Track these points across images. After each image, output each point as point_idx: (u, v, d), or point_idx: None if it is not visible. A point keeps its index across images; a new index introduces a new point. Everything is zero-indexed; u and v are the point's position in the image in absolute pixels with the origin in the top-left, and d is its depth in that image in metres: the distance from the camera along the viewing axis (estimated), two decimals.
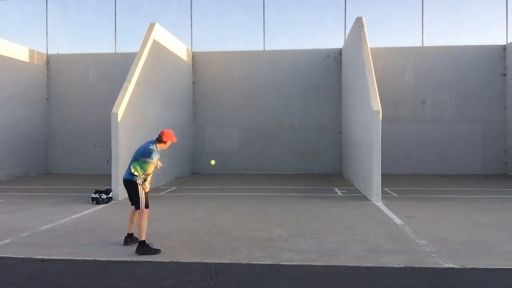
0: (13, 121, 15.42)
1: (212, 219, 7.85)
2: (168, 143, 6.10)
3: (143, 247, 5.62)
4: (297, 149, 16.85)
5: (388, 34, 18.76)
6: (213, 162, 7.65)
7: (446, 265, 5.08)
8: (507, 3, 16.21)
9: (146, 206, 5.88)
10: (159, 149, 6.02)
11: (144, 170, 5.87)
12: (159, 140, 6.04)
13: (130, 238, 6.06)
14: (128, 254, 5.63)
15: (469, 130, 16.25)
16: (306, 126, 16.87)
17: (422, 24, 16.64)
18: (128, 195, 6.09)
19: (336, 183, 13.51)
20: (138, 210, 5.90)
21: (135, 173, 5.84)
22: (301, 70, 16.95)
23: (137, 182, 5.88)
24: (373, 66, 11.22)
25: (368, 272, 4.91)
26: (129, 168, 5.95)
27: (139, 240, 5.68)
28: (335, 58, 16.89)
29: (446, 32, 17.98)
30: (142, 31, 13.09)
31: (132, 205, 6.10)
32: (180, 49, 15.71)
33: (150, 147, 5.95)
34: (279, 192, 11.48)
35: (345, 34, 16.71)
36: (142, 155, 5.91)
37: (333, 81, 16.81)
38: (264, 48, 17.37)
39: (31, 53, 16.63)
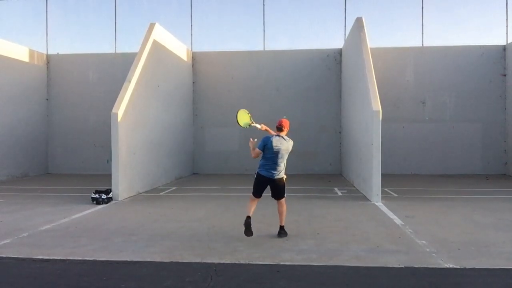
0: (13, 121, 15.43)
1: (212, 219, 7.85)
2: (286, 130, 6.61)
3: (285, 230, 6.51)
4: (297, 149, 16.70)
5: (388, 34, 18.79)
6: None
7: (446, 265, 5.08)
8: (507, 4, 16.20)
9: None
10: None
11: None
12: (282, 129, 6.56)
13: (282, 230, 6.57)
14: (128, 254, 5.63)
15: (469, 130, 16.24)
16: (306, 126, 16.86)
17: (422, 24, 16.64)
18: (277, 192, 6.50)
19: (336, 183, 13.51)
20: (282, 200, 6.53)
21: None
22: (301, 70, 16.95)
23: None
24: (373, 66, 11.22)
25: (368, 272, 4.91)
26: (281, 166, 6.41)
27: (283, 225, 6.52)
28: (335, 58, 16.88)
29: (446, 32, 18.01)
30: (142, 31, 13.10)
31: (257, 197, 6.54)
32: (180, 49, 15.71)
33: (289, 140, 6.55)
34: None
35: (345, 34, 16.70)
36: (287, 150, 6.50)
37: (333, 81, 16.81)
38: (264, 48, 17.37)
39: (31, 53, 16.63)
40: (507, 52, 16.04)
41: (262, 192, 6.54)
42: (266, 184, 6.45)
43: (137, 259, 5.39)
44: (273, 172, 6.37)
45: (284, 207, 6.60)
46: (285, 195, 6.58)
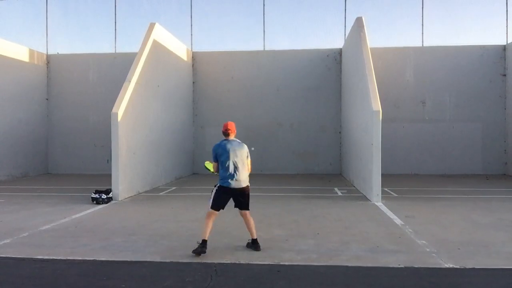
0: (13, 121, 15.43)
1: None
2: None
3: (258, 243, 5.80)
4: (297, 149, 16.85)
5: (388, 34, 18.78)
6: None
7: (446, 265, 5.08)
8: (507, 3, 16.21)
9: None
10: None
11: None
12: (228, 134, 5.89)
13: (255, 243, 5.86)
14: (128, 254, 5.63)
15: (469, 130, 16.25)
16: (306, 126, 16.87)
17: (422, 24, 16.64)
18: (241, 202, 5.84)
19: (336, 183, 13.51)
20: (248, 211, 5.89)
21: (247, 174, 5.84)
22: (301, 70, 16.95)
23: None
24: (373, 66, 11.22)
25: (368, 272, 4.91)
26: (243, 175, 5.76)
27: (255, 238, 5.81)
28: (335, 58, 16.89)
29: (446, 32, 18.00)
30: (142, 31, 13.10)
31: (218, 210, 5.78)
32: (180, 49, 15.71)
33: (242, 143, 5.90)
34: (279, 192, 11.49)
35: (345, 34, 16.71)
36: (245, 155, 5.87)
37: (333, 81, 16.81)
38: (264, 48, 17.37)
39: (31, 53, 16.63)
40: (507, 52, 16.04)
41: (224, 206, 5.84)
42: (229, 195, 5.77)
43: (137, 259, 5.39)
44: (233, 181, 5.70)
45: (251, 220, 5.88)
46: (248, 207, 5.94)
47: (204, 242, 5.53)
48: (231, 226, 7.27)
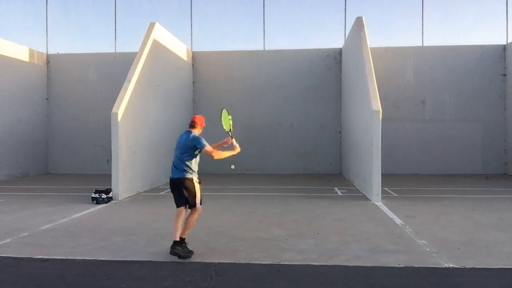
0: (13, 121, 15.43)
1: (212, 219, 7.84)
2: (202, 128, 5.77)
3: (181, 246, 5.40)
4: (297, 148, 16.84)
5: (388, 34, 18.77)
6: (233, 166, 7.56)
7: (446, 265, 5.08)
8: (507, 3, 16.20)
9: (201, 202, 5.60)
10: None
11: (197, 162, 5.62)
12: (193, 126, 5.68)
13: (184, 243, 5.50)
14: (128, 254, 5.63)
15: (469, 130, 16.24)
16: (306, 126, 16.86)
17: (422, 24, 16.64)
18: (179, 196, 5.53)
19: (336, 183, 13.51)
20: (194, 208, 5.53)
21: (190, 168, 5.50)
22: (301, 70, 16.95)
23: (193, 178, 5.51)
24: (373, 66, 11.21)
25: (368, 272, 4.91)
26: (178, 166, 5.49)
27: (177, 240, 5.40)
28: (335, 58, 16.88)
29: (446, 32, 18.00)
30: (142, 31, 13.09)
31: (178, 206, 5.57)
32: (180, 49, 15.71)
33: (194, 135, 5.55)
34: (279, 192, 11.48)
35: (345, 34, 16.70)
36: (191, 147, 5.48)
37: (333, 81, 16.81)
38: (264, 48, 17.37)
39: (31, 53, 16.63)
40: (507, 52, 16.04)
41: (181, 201, 5.53)
42: (174, 188, 5.55)
43: (137, 259, 5.39)
44: (173, 172, 5.56)
45: (194, 218, 5.53)
46: (198, 205, 5.53)
47: (174, 242, 5.39)
48: (230, 226, 7.27)
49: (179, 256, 5.34)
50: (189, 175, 5.49)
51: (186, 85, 16.59)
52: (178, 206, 5.57)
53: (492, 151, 16.16)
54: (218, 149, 5.85)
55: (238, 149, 5.81)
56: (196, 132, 5.65)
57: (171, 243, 5.40)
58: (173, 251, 5.35)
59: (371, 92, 10.31)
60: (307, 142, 16.82)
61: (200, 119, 5.75)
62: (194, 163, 5.58)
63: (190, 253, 5.43)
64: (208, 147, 5.51)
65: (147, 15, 18.85)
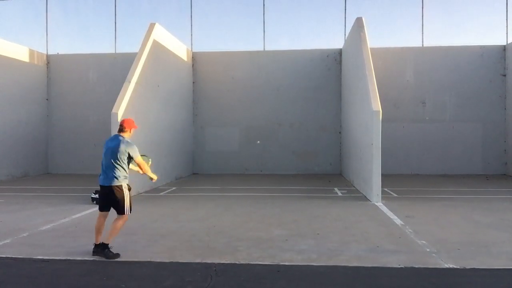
0: (13, 121, 15.43)
1: (212, 219, 7.85)
2: (132, 131, 5.69)
3: (110, 251, 5.44)
4: (297, 149, 16.84)
5: (388, 34, 18.77)
6: (258, 141, 7.29)
7: (446, 265, 5.08)
8: (507, 4, 16.21)
9: (130, 210, 5.59)
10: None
11: (128, 168, 5.58)
12: (121, 130, 5.62)
13: (100, 248, 5.50)
14: (128, 254, 5.63)
15: (469, 130, 16.25)
16: (306, 126, 16.87)
17: (422, 24, 16.64)
18: (105, 202, 5.55)
19: (336, 183, 13.51)
20: (122, 216, 5.52)
21: (121, 175, 5.44)
22: (301, 70, 16.95)
23: (123, 185, 5.49)
24: (373, 66, 11.22)
25: (368, 272, 4.91)
26: (108, 172, 5.43)
27: (106, 243, 5.44)
28: (335, 58, 16.89)
29: (446, 32, 18.01)
30: (142, 31, 13.10)
31: (102, 211, 5.59)
32: (180, 49, 15.71)
33: (127, 141, 5.50)
34: (279, 192, 11.48)
35: (345, 34, 16.70)
36: (123, 152, 5.41)
37: (333, 81, 16.81)
38: (264, 48, 17.37)
39: (31, 53, 16.63)
40: (507, 52, 16.04)
41: (105, 207, 5.57)
42: (103, 193, 5.53)
43: (137, 259, 5.39)
44: (102, 177, 5.49)
45: (119, 224, 5.51)
46: (126, 212, 5.51)
47: (95, 246, 5.49)
48: (230, 226, 7.27)
49: (107, 257, 5.39)
50: (118, 183, 5.44)
51: (186, 85, 16.59)
52: (101, 210, 5.61)
53: (492, 151, 16.16)
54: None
55: (154, 177, 5.90)
56: (126, 136, 5.60)
57: (171, 243, 5.40)
58: (94, 253, 5.45)
59: (371, 92, 10.31)
60: (307, 142, 16.83)
61: (129, 123, 5.66)
62: (125, 169, 5.53)
63: (115, 256, 5.44)
64: (140, 159, 5.59)
65: (147, 15, 18.88)
